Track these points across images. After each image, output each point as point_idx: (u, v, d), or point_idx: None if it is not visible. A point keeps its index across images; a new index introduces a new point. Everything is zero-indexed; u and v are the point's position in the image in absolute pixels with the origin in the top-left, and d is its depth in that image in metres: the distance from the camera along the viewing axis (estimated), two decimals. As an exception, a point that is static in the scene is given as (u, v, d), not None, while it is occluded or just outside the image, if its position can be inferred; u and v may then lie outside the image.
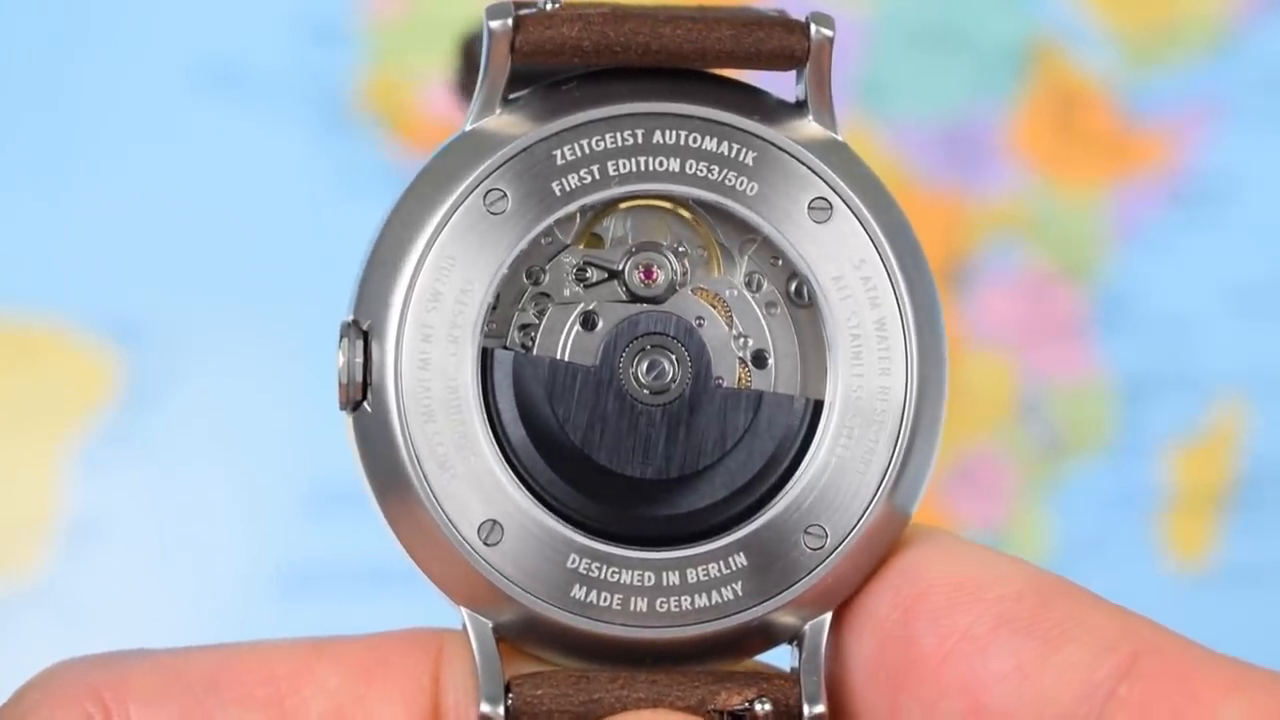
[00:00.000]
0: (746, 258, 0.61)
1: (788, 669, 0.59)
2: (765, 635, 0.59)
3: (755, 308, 0.61)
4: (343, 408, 0.58)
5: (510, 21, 0.58)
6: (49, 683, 0.56)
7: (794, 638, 0.59)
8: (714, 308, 0.60)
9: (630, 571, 0.58)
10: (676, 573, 0.58)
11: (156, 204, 1.16)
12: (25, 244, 1.15)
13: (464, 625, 0.58)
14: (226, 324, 1.16)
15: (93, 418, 1.15)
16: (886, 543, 0.59)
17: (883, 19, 1.19)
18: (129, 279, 1.15)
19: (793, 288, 0.60)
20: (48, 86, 1.16)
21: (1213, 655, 0.54)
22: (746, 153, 0.59)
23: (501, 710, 0.57)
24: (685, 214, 0.60)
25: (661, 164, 0.58)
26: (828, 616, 0.59)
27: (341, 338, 0.58)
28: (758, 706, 0.57)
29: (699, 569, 0.58)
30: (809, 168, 0.59)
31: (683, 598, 0.58)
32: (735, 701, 0.58)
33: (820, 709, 0.58)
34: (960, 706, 0.56)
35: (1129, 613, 0.56)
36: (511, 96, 0.59)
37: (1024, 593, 0.56)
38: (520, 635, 0.58)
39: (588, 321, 0.60)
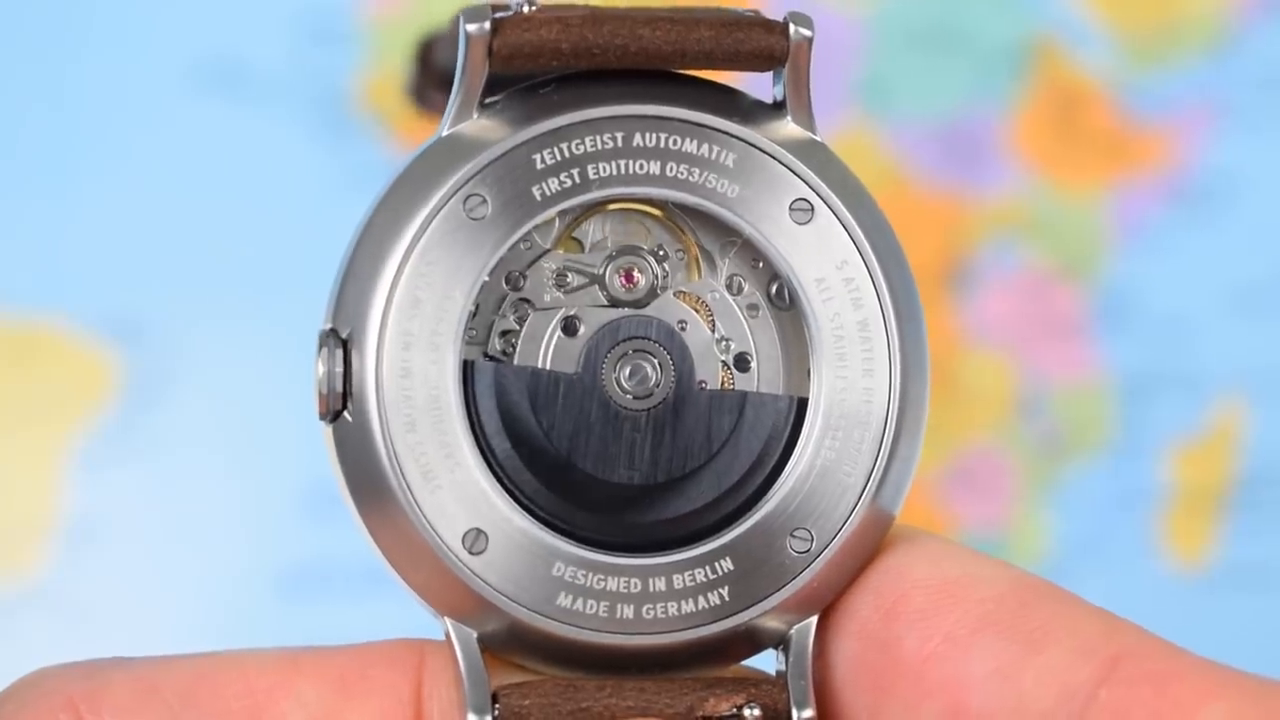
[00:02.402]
0: (727, 260, 0.60)
1: (773, 673, 0.59)
2: (752, 640, 0.58)
3: (737, 310, 0.60)
4: (322, 418, 0.57)
5: (488, 25, 0.57)
6: (25, 693, 0.56)
7: (780, 642, 0.58)
8: (696, 311, 0.60)
9: (616, 578, 0.57)
10: (663, 579, 0.57)
11: (156, 204, 1.16)
12: (26, 244, 1.15)
13: (448, 636, 0.57)
14: (226, 324, 1.16)
15: (93, 418, 1.15)
16: (871, 545, 0.58)
17: (883, 19, 1.19)
18: (129, 279, 1.15)
19: (774, 290, 0.60)
20: (48, 87, 1.16)
21: (1195, 659, 0.54)
22: (727, 155, 0.58)
23: None
24: (666, 217, 0.60)
25: (642, 167, 0.58)
26: (814, 620, 0.58)
27: (320, 347, 0.57)
28: (747, 712, 0.57)
29: (685, 574, 0.57)
30: (789, 169, 0.58)
31: (669, 604, 0.57)
32: (724, 707, 0.57)
33: (809, 713, 0.57)
34: (941, 708, 0.55)
35: (1111, 616, 0.56)
36: (488, 101, 0.58)
37: (1006, 595, 0.56)
38: (505, 645, 0.58)
39: (569, 327, 0.59)
